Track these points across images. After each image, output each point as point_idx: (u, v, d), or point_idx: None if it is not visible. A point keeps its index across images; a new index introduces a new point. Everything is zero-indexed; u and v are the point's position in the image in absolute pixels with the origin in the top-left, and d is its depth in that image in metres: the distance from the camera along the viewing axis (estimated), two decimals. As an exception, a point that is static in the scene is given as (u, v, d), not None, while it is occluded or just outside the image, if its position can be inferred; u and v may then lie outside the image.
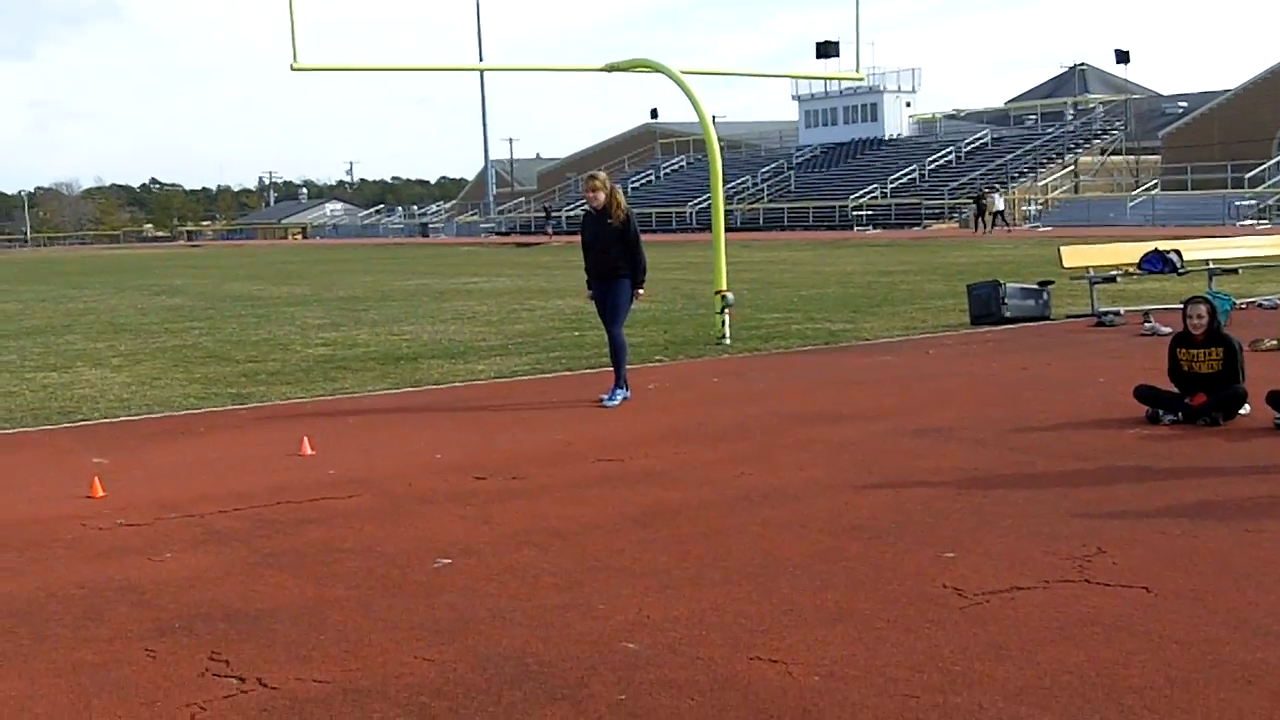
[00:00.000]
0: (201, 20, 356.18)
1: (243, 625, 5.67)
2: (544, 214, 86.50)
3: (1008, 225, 59.17)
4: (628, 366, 12.14)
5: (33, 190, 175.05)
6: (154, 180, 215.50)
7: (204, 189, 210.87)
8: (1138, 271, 18.56)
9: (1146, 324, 16.08)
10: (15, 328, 23.34)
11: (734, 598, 5.83)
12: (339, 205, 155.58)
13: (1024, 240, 47.99)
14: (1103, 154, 76.78)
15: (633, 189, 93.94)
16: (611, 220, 11.79)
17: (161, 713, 4.70)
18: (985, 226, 57.39)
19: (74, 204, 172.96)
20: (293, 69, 16.11)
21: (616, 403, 11.70)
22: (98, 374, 15.45)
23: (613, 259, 11.85)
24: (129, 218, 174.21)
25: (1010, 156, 75.29)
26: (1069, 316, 18.22)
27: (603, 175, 12.13)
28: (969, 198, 64.30)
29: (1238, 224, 50.33)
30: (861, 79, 22.45)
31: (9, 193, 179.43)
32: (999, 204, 60.08)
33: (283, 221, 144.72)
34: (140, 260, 69.16)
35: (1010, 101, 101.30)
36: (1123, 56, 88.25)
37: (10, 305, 30.46)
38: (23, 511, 8.11)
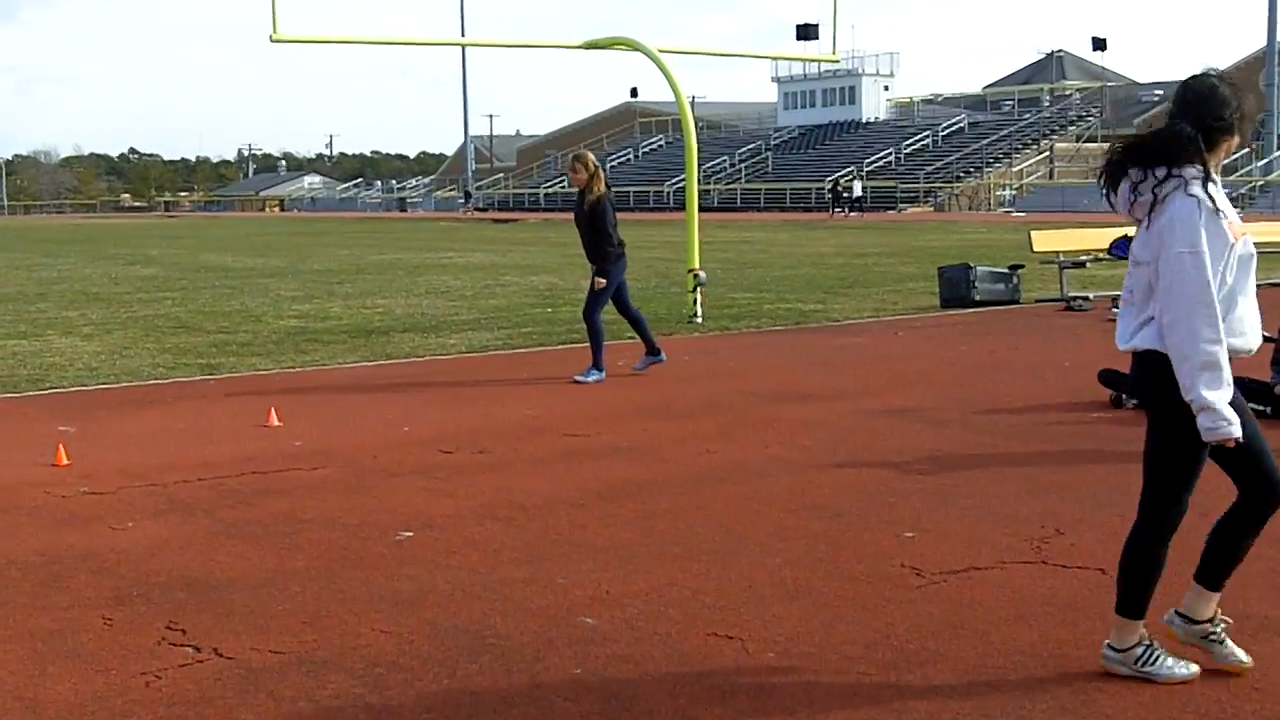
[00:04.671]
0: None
1: (201, 595, 5.67)
2: (465, 196, 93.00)
3: (860, 210, 63.40)
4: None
5: (10, 158, 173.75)
6: (132, 150, 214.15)
7: (182, 159, 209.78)
8: (1107, 257, 18.61)
9: (1114, 309, 16.17)
10: (-15, 295, 23.21)
11: (693, 574, 5.86)
12: (317, 178, 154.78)
13: (997, 225, 48.12)
14: (1078, 140, 76.97)
15: (611, 168, 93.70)
16: (585, 203, 11.75)
17: (116, 680, 4.71)
18: (843, 210, 62.90)
19: (52, 172, 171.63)
20: (272, 40, 16.05)
21: (589, 381, 11.67)
22: (68, 342, 15.38)
23: (587, 243, 11.79)
24: (106, 187, 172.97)
25: (986, 141, 75.43)
26: (1038, 301, 18.30)
27: (588, 156, 12.02)
28: (829, 183, 68.59)
29: (1211, 212, 50.48)
30: (838, 61, 22.50)
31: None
32: (856, 190, 64.85)
33: (261, 194, 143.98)
34: (116, 230, 68.73)
35: (988, 87, 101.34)
36: (1100, 44, 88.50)
37: (-19, 273, 30.27)
38: (-15, 478, 8.08)
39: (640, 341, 12.29)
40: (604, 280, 11.71)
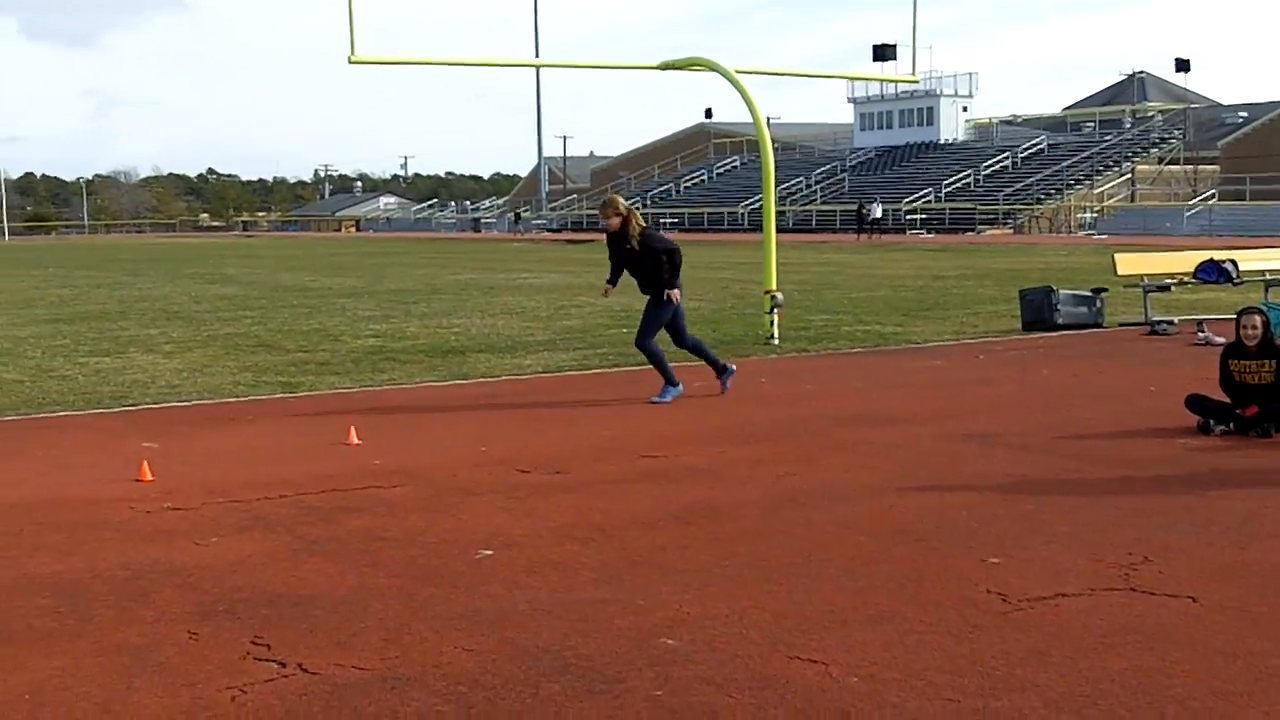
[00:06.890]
0: (262, 10, 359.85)
1: (285, 610, 5.70)
2: (515, 218, 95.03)
3: (880, 231, 64.50)
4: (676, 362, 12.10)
5: (90, 178, 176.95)
6: (211, 170, 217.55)
7: (260, 180, 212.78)
8: (1192, 281, 18.37)
9: (1200, 334, 15.93)
10: (70, 313, 23.59)
11: (774, 597, 5.81)
12: (393, 199, 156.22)
13: (1079, 247, 47.64)
14: (1160, 163, 76.10)
15: (685, 188, 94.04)
16: (630, 244, 11.81)
17: (202, 694, 4.74)
18: (868, 233, 63.24)
19: (131, 192, 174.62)
20: (350, 61, 16.20)
21: (667, 400, 11.68)
22: (149, 360, 15.59)
23: (644, 278, 11.95)
24: (185, 207, 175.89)
25: (1067, 163, 74.78)
26: (1122, 324, 18.06)
27: (617, 200, 12.10)
28: (854, 206, 69.36)
29: (1296, 236, 49.75)
30: (917, 81, 22.38)
31: (68, 180, 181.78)
32: (877, 212, 65.71)
33: (337, 214, 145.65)
34: (195, 249, 69.75)
35: (1068, 108, 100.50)
36: (1182, 65, 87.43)
37: (66, 291, 30.79)
38: (72, 493, 8.20)
39: (708, 366, 12.26)
40: (678, 293, 11.80)
